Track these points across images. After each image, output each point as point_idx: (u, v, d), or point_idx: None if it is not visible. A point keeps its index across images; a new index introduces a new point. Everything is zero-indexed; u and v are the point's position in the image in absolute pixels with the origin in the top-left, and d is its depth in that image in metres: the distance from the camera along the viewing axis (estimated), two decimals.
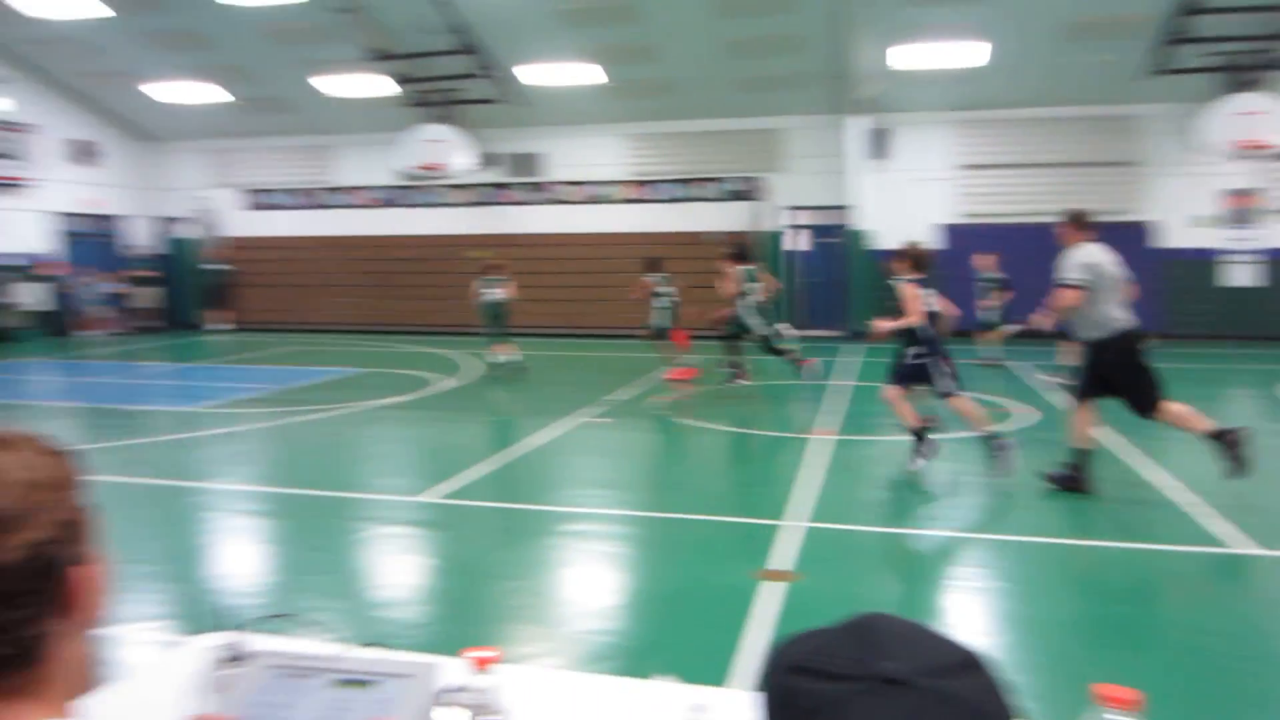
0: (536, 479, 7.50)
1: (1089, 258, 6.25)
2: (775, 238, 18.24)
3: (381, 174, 19.64)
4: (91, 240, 20.29)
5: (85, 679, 1.00)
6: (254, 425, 9.43)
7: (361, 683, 1.46)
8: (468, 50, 15.53)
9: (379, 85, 17.31)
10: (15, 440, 0.92)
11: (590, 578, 5.23)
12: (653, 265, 12.80)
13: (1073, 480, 6.37)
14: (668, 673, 1.65)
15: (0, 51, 17.56)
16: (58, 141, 19.15)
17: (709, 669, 3.65)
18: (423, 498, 6.67)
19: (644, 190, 18.94)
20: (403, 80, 16.60)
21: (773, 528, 5.66)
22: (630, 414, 10.04)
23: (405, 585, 5.17)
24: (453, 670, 1.54)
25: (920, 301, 6.76)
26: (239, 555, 5.76)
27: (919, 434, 6.90)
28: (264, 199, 21.06)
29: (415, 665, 1.49)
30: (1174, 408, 6.19)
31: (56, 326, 18.95)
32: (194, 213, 21.16)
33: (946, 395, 6.84)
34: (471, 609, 4.70)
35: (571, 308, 18.75)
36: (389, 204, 20.21)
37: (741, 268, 11.45)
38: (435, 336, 17.95)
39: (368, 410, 10.16)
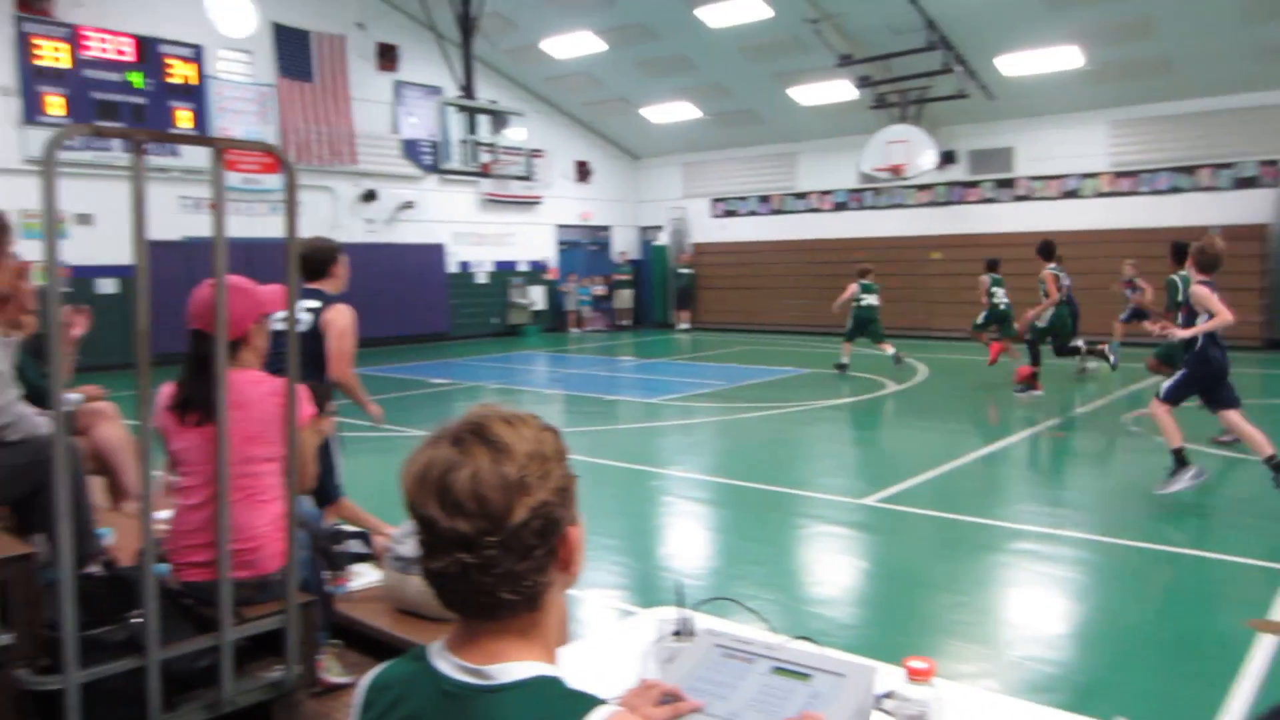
0: (983, 490, 7.25)
1: None
2: None
3: (841, 177, 20.04)
4: (581, 248, 23.11)
5: (564, 631, 1.18)
6: (707, 419, 10.05)
7: (802, 674, 1.48)
8: (937, 46, 15.27)
9: (841, 90, 18.37)
10: (520, 418, 1.12)
11: (1037, 601, 4.91)
12: (991, 266, 12.90)
13: None
14: (1128, 716, 1.41)
15: (521, 89, 20.73)
16: (561, 163, 22.04)
17: None
18: (863, 500, 6.57)
19: (1128, 182, 16.91)
20: (864, 83, 16.88)
21: (1276, 572, 4.71)
22: (1093, 427, 9.02)
23: (839, 585, 5.22)
24: (887, 676, 1.56)
25: (1221, 302, 6.25)
26: (686, 538, 6.16)
27: (1180, 455, 6.40)
28: (729, 206, 22.34)
29: (856, 666, 1.49)
30: None
31: (550, 323, 21.85)
32: (667, 221, 23.13)
33: (1229, 407, 6.41)
34: (905, 617, 4.71)
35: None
36: (848, 207, 20.41)
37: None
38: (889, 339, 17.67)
39: (814, 410, 10.31)
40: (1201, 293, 6.27)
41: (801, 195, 21.47)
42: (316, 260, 4.76)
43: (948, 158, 18.61)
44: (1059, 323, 11.44)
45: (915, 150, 16.80)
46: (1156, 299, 11.52)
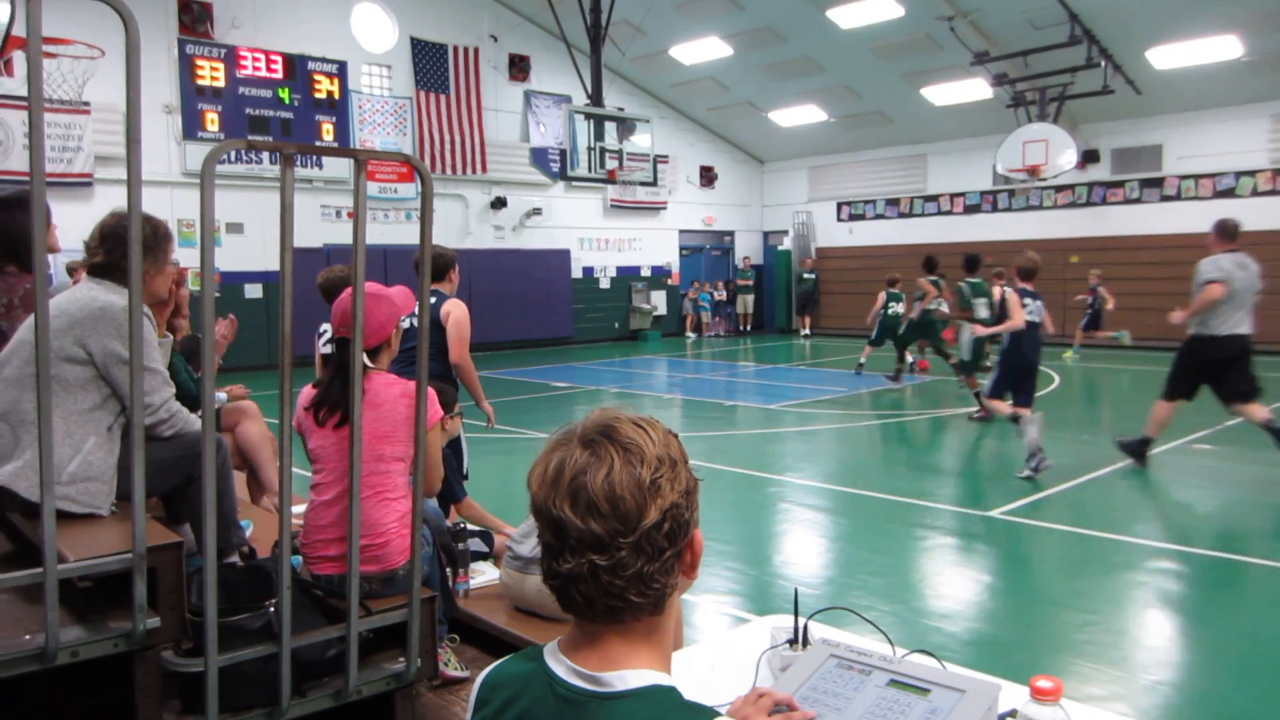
0: (1119, 505, 6.88)
1: None
2: None
3: (974, 179, 19.40)
4: (704, 253, 23.03)
5: (679, 635, 1.14)
6: (827, 425, 9.92)
7: (920, 689, 1.45)
8: (1080, 40, 14.68)
9: (975, 89, 17.88)
10: (647, 422, 1.13)
11: (1173, 623, 4.59)
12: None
13: None
14: None
15: (648, 95, 21.06)
16: (687, 168, 22.14)
17: None
18: (989, 512, 6.35)
19: None
20: (1000, 81, 16.32)
21: None
22: (1244, 442, 8.45)
23: (961, 599, 5.04)
24: (1011, 695, 1.53)
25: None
26: (803, 546, 6.08)
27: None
28: (855, 210, 21.97)
29: (977, 682, 1.45)
30: None
31: (672, 328, 22.01)
32: (791, 226, 22.89)
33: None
34: (1031, 635, 4.56)
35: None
36: (981, 209, 19.78)
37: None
38: None
39: (937, 418, 10.00)
40: (1011, 299, 7.59)
41: (932, 198, 20.89)
42: (437, 265, 5.16)
43: (1089, 157, 17.79)
44: (928, 324, 12.57)
45: (1054, 149, 16.11)
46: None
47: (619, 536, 1.05)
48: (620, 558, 1.05)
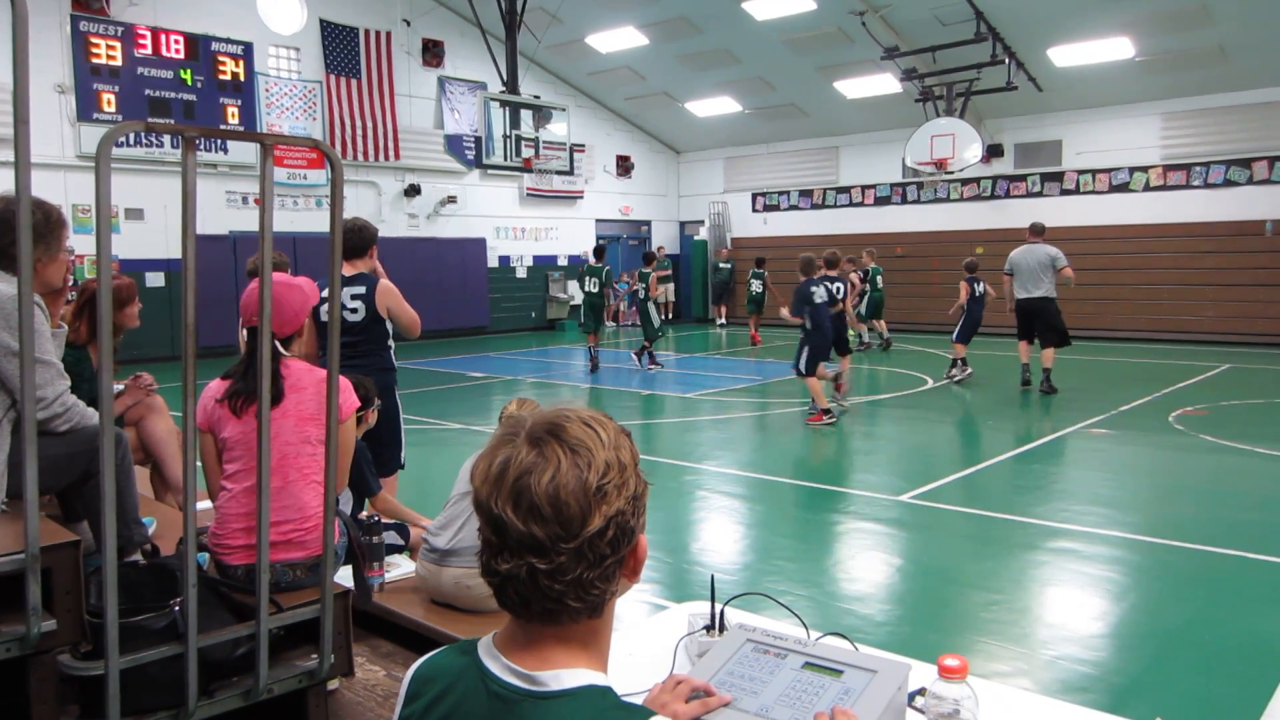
0: (1021, 489, 7.15)
1: None
2: None
3: (885, 172, 19.85)
4: (620, 242, 23.12)
5: (611, 636, 1.17)
6: (743, 414, 10.09)
7: (834, 671, 1.47)
8: (986, 38, 15.16)
9: (885, 84, 18.26)
10: (599, 421, 1.10)
11: (1073, 601, 4.84)
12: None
13: None
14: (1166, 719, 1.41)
15: (564, 84, 21.04)
16: (603, 158, 22.24)
17: None
18: (899, 497, 6.53)
19: (1179, 175, 16.54)
20: (910, 76, 16.79)
21: None
22: (1137, 426, 8.85)
23: (873, 582, 5.19)
24: (920, 674, 1.57)
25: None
26: (720, 533, 6.17)
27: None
28: (770, 201, 22.26)
29: (888, 662, 1.48)
30: None
31: None
32: (708, 216, 23.07)
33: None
34: (939, 615, 4.68)
35: (1085, 306, 17.10)
36: (891, 201, 20.35)
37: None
38: (930, 335, 17.48)
39: (851, 405, 10.17)
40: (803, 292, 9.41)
41: (844, 190, 21.29)
42: (362, 239, 4.87)
43: (994, 151, 18.35)
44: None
45: (960, 143, 16.58)
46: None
47: (560, 541, 1.03)
48: (560, 563, 1.03)
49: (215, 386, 2.89)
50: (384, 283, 4.87)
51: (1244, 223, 16.11)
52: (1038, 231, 11.20)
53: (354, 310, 4.80)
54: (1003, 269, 11.33)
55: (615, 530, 1.05)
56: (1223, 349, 15.35)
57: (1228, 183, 16.38)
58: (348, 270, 4.81)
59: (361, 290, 4.80)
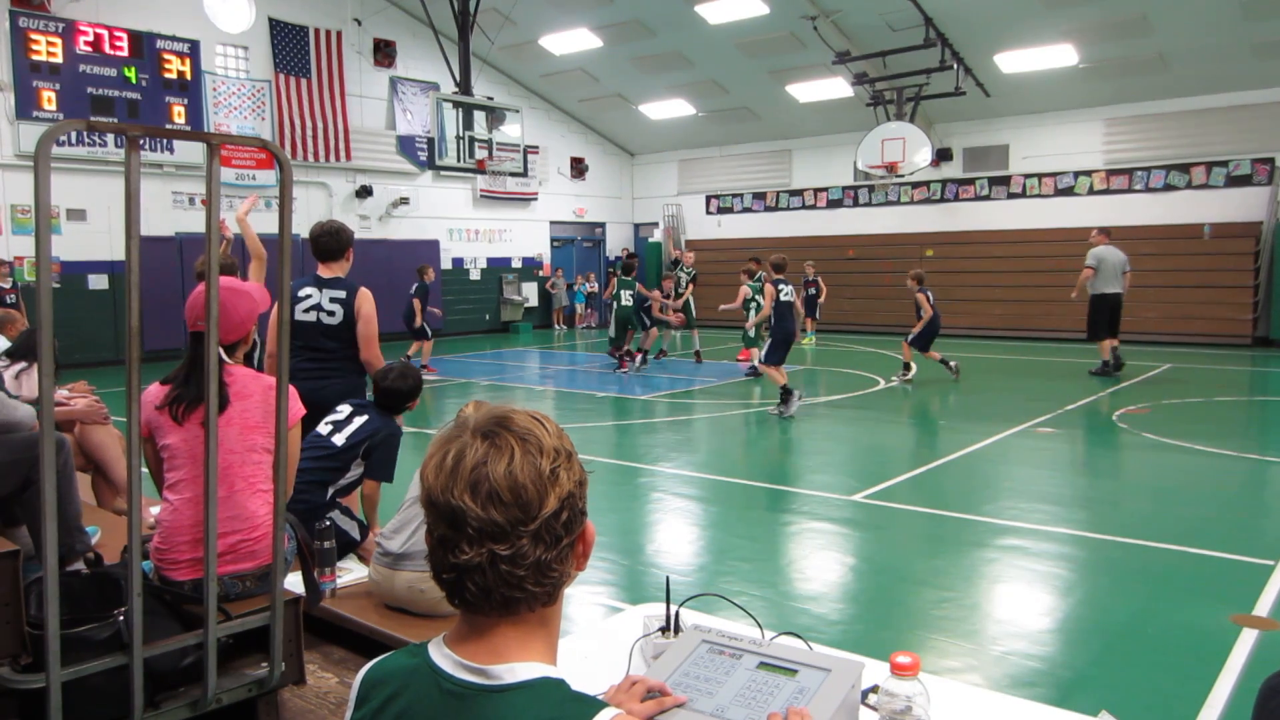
0: (971, 487, 7.25)
1: None
2: None
3: (836, 175, 20.06)
4: (575, 244, 23.04)
5: (560, 626, 1.18)
6: (698, 415, 10.12)
7: (788, 670, 1.49)
8: (934, 43, 15.35)
9: (836, 88, 18.50)
10: (539, 415, 1.14)
11: (1022, 597, 4.93)
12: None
13: None
14: (1114, 712, 1.42)
15: (518, 85, 20.81)
16: (557, 160, 22.07)
17: (1160, 716, 3.49)
18: (851, 496, 6.58)
19: (1122, 179, 16.96)
20: (861, 80, 16.95)
21: (1266, 568, 4.73)
22: (1082, 425, 9.03)
23: (826, 581, 5.23)
24: (873, 671, 1.59)
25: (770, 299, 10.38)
26: (675, 535, 6.17)
27: (786, 389, 9.86)
28: (724, 203, 22.37)
29: (841, 661, 1.51)
30: None
31: (542, 319, 21.99)
32: (662, 218, 23.13)
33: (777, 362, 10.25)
34: (891, 613, 4.75)
35: (1032, 308, 17.42)
36: (842, 204, 20.58)
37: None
38: (883, 336, 17.68)
39: (807, 407, 10.26)
40: (769, 290, 10.27)
41: (796, 192, 21.47)
42: (340, 241, 4.71)
43: (943, 155, 18.63)
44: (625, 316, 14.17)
45: (911, 147, 16.81)
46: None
47: (520, 525, 1.05)
48: (520, 546, 1.05)
49: (154, 392, 2.81)
50: (364, 289, 4.72)
51: (1183, 225, 16.54)
52: (1108, 234, 12.59)
53: (331, 313, 4.64)
54: (1085, 262, 12.45)
55: (569, 512, 1.09)
56: (1163, 349, 15.73)
57: (1168, 187, 16.83)
58: (325, 273, 4.69)
59: (341, 294, 4.65)
